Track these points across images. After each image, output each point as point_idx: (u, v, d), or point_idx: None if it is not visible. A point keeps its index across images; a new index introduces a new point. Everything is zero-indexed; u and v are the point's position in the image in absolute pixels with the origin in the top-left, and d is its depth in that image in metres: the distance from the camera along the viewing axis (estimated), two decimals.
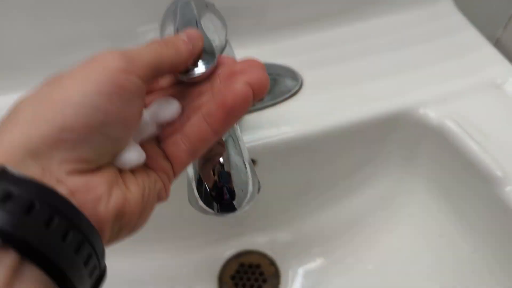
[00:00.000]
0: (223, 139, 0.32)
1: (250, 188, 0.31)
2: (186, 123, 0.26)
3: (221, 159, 0.31)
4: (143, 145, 0.25)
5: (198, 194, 0.31)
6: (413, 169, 0.49)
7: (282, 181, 0.49)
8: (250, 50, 0.47)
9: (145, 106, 0.26)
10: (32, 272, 0.18)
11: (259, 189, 0.32)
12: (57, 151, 0.20)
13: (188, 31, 0.27)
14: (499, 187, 0.39)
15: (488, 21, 0.58)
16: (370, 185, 0.51)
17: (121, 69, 0.22)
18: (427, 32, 0.53)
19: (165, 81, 0.29)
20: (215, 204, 0.31)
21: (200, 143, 0.26)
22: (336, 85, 0.47)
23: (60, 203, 0.19)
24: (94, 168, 0.21)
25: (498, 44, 0.61)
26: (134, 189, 0.23)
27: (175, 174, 0.27)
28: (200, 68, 0.26)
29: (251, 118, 0.44)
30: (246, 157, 0.32)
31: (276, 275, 0.51)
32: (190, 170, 0.32)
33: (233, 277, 0.51)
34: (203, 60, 0.27)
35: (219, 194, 0.31)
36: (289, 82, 0.47)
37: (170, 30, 0.35)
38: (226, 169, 0.31)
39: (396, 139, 0.47)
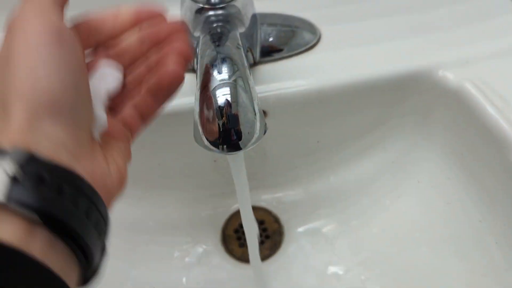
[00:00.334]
0: (232, 79, 0.31)
1: (257, 129, 0.31)
2: (133, 95, 0.28)
3: (229, 98, 0.30)
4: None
5: (204, 134, 0.31)
6: (427, 134, 0.48)
7: (292, 137, 0.48)
8: (270, 1, 0.46)
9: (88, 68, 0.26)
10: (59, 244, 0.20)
11: (265, 131, 0.31)
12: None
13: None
14: None
15: None
16: (381, 148, 0.50)
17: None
18: None
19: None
20: (221, 145, 0.31)
21: (149, 114, 0.29)
22: (354, 42, 0.46)
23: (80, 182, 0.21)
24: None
25: None
26: (119, 160, 0.26)
27: (132, 139, 0.29)
28: None
29: (265, 69, 0.44)
30: (255, 96, 0.31)
31: (279, 232, 0.51)
32: (196, 107, 0.31)
33: (236, 231, 0.51)
34: None
35: (225, 136, 0.30)
36: (307, 35, 0.46)
37: None
38: (233, 111, 0.30)
39: (411, 102, 0.46)
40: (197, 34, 0.37)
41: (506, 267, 0.40)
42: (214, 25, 0.36)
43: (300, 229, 0.51)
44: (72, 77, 0.22)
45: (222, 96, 0.30)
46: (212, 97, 0.30)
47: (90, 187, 0.22)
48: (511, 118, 0.39)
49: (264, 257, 0.49)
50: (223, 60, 0.32)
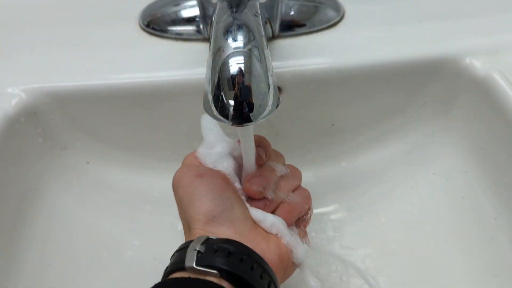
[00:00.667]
0: (247, 48, 0.30)
1: (270, 102, 0.29)
2: None
3: (242, 68, 0.29)
4: None
5: (214, 103, 0.30)
6: (446, 124, 0.46)
7: (306, 117, 0.47)
8: None
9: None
10: None
11: (277, 105, 0.30)
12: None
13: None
14: None
15: None
16: (397, 137, 0.49)
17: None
18: None
19: None
20: (231, 116, 0.29)
21: None
22: (379, 22, 0.44)
23: (254, 254, 0.30)
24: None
25: None
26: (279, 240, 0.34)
27: None
28: None
29: (283, 43, 0.42)
30: (270, 68, 0.30)
31: None
32: (207, 74, 0.30)
33: None
34: None
35: (236, 108, 0.29)
36: (330, 12, 0.44)
37: None
38: (246, 81, 0.29)
39: (434, 89, 0.44)
40: (214, 0, 0.35)
41: None
42: None
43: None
44: (218, 194, 0.32)
45: (236, 65, 0.29)
46: (225, 65, 0.29)
47: (259, 256, 0.30)
48: None
49: None
50: (239, 27, 0.31)
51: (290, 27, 0.44)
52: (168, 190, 0.50)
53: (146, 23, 0.47)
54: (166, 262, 0.31)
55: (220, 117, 0.29)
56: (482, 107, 0.41)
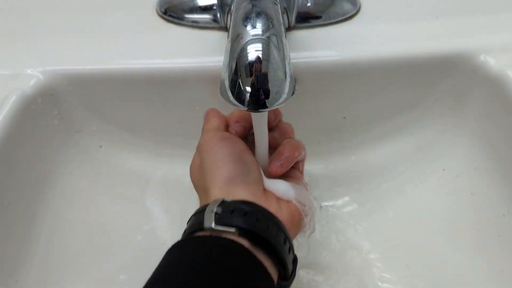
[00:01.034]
0: (266, 36, 0.30)
1: (286, 89, 0.30)
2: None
3: (260, 55, 0.29)
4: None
5: (231, 88, 0.30)
6: (458, 121, 0.46)
7: (318, 109, 0.47)
8: None
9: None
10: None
11: (293, 93, 0.30)
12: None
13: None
14: None
15: None
16: (408, 132, 0.49)
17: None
18: None
19: None
20: (247, 102, 0.30)
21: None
22: (394, 17, 0.44)
23: (268, 213, 0.32)
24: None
25: None
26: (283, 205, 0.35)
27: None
28: None
29: (299, 34, 0.42)
30: (287, 56, 0.30)
31: None
32: (225, 60, 0.30)
33: None
34: None
35: (253, 94, 0.29)
36: (346, 5, 0.44)
37: None
38: (264, 69, 0.29)
39: (447, 85, 0.44)
40: None
41: None
42: None
43: (315, 204, 0.50)
44: (238, 157, 0.34)
45: (254, 52, 0.29)
46: (243, 52, 0.29)
47: (273, 215, 0.31)
48: None
49: None
50: (258, 15, 0.31)
51: (306, 18, 0.44)
52: (178, 177, 0.51)
53: (163, 10, 0.47)
54: None
55: (236, 102, 0.30)
56: (495, 104, 0.41)
